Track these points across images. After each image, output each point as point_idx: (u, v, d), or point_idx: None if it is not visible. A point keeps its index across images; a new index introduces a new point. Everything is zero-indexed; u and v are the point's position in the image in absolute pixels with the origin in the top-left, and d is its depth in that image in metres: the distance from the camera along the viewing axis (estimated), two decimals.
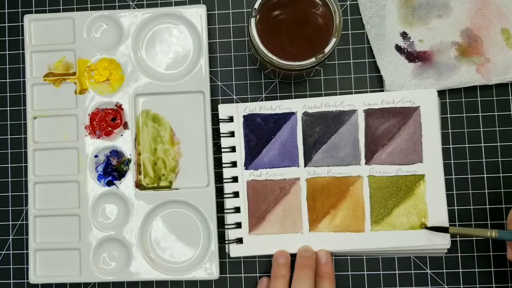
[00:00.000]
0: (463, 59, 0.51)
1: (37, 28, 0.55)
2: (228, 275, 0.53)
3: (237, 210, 0.52)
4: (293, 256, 0.53)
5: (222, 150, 0.52)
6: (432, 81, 0.52)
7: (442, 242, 0.50)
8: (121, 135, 0.54)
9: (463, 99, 0.53)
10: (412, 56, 0.52)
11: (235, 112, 0.52)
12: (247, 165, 0.52)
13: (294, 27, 0.46)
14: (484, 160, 0.53)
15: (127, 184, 0.53)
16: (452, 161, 0.53)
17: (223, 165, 0.52)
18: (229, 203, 0.52)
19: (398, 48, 0.52)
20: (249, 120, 0.52)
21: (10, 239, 0.55)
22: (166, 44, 0.54)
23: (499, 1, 0.52)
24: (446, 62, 0.52)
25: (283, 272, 0.50)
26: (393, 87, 0.52)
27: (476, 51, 0.52)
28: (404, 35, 0.52)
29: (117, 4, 0.56)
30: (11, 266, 0.55)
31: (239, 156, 0.52)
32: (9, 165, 0.56)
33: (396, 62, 0.52)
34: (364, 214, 0.51)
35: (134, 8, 0.56)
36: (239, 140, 0.52)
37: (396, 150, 0.51)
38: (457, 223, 0.52)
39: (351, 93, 0.54)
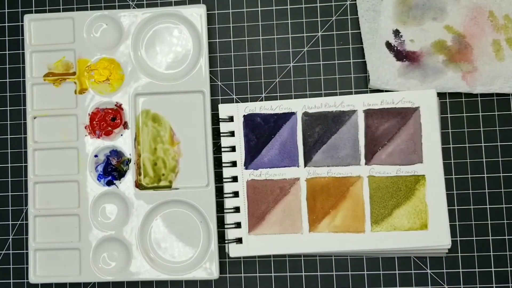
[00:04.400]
0: (450, 64, 0.52)
1: (37, 28, 0.55)
2: (228, 275, 0.53)
3: (236, 210, 0.52)
4: (293, 257, 0.53)
5: (222, 149, 0.52)
6: (416, 82, 0.52)
7: (442, 243, 0.50)
8: (121, 135, 0.54)
9: (463, 99, 0.53)
10: (401, 54, 0.52)
11: (235, 112, 0.52)
12: (247, 165, 0.52)
13: None
14: (484, 160, 0.53)
15: (127, 184, 0.53)
16: (452, 161, 0.53)
17: (223, 165, 0.52)
18: (229, 202, 0.52)
19: (389, 45, 0.53)
20: (249, 120, 0.52)
21: (10, 239, 0.55)
22: (166, 44, 0.54)
23: (496, 12, 0.52)
24: (433, 65, 0.52)
25: None
26: (377, 83, 0.52)
27: (465, 58, 0.52)
28: (397, 33, 0.53)
29: (117, 4, 0.56)
30: (11, 266, 0.55)
31: (239, 155, 0.52)
32: (9, 165, 0.56)
33: (384, 58, 0.52)
34: (364, 215, 0.51)
35: (134, 8, 0.56)
36: (239, 140, 0.52)
37: (396, 150, 0.51)
38: (457, 223, 0.52)
39: (351, 93, 0.54)
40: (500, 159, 0.53)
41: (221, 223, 0.52)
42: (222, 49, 0.55)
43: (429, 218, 0.50)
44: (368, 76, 0.53)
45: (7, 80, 0.57)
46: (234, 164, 0.52)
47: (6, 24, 0.57)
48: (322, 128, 0.52)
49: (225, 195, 0.52)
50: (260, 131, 0.52)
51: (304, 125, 0.52)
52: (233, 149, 0.52)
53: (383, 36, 0.53)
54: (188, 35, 0.54)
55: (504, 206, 0.52)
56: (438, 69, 0.52)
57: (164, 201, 0.53)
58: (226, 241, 0.52)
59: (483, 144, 0.53)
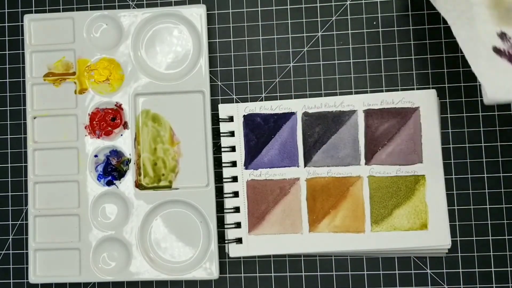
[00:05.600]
0: None
1: (37, 28, 0.55)
2: (228, 275, 0.53)
3: (236, 210, 0.52)
4: (293, 257, 0.53)
5: (222, 149, 0.52)
6: None
7: (442, 243, 0.50)
8: (121, 135, 0.54)
9: (463, 99, 0.53)
10: None
11: (235, 112, 0.52)
12: (247, 165, 0.52)
13: None
14: (484, 160, 0.53)
15: (127, 184, 0.53)
16: (452, 161, 0.53)
17: (223, 165, 0.52)
18: (229, 203, 0.52)
19: (497, 50, 0.45)
20: (249, 120, 0.52)
21: (10, 239, 0.55)
22: (166, 44, 0.54)
23: None
24: None
25: None
26: (497, 96, 0.42)
27: None
28: (503, 35, 0.46)
29: (117, 4, 0.56)
30: (11, 266, 0.55)
31: (239, 155, 0.52)
32: (9, 165, 0.56)
33: (497, 66, 0.44)
34: (364, 215, 0.51)
35: (134, 8, 0.56)
36: (239, 140, 0.52)
37: (396, 150, 0.51)
38: (457, 223, 0.52)
39: (351, 93, 0.54)
40: (500, 159, 0.53)
41: (221, 223, 0.52)
42: (222, 49, 0.55)
43: (429, 218, 0.50)
44: (482, 90, 0.43)
45: (7, 80, 0.57)
46: (234, 164, 0.52)
47: (6, 24, 0.57)
48: (322, 128, 0.52)
49: (225, 195, 0.52)
50: (260, 131, 0.52)
51: (304, 125, 0.52)
52: (233, 149, 0.52)
53: (487, 42, 0.45)
54: (188, 35, 0.54)
55: (504, 206, 0.52)
56: None
57: (164, 201, 0.53)
58: (226, 241, 0.52)
59: (483, 144, 0.53)
